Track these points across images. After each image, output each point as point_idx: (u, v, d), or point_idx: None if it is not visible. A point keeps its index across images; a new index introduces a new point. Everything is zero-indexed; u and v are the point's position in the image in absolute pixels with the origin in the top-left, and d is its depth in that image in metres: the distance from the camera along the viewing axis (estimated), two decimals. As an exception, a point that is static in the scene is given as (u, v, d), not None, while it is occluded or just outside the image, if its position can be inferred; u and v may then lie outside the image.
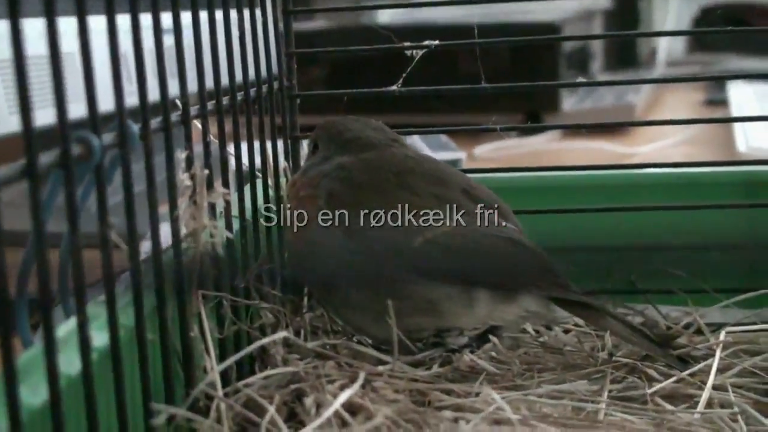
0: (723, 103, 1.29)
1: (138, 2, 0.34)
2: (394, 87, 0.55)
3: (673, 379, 0.44)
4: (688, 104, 1.43)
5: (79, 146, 0.31)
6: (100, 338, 0.33)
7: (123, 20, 0.33)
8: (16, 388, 0.26)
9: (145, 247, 0.36)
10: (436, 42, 0.55)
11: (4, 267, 0.25)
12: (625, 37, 1.69)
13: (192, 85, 0.41)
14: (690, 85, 1.54)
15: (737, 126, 1.05)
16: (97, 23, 0.31)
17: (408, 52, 0.55)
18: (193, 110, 0.42)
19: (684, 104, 1.44)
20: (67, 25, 0.30)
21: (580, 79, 1.23)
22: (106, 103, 0.32)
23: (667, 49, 1.72)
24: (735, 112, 1.21)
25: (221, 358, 0.42)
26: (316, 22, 1.38)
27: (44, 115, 0.30)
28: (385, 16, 1.54)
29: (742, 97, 1.24)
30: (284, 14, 0.55)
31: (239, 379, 0.42)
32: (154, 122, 0.37)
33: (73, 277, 0.30)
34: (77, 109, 0.30)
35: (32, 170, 0.27)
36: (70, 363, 0.31)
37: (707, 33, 1.80)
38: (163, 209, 0.37)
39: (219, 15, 0.44)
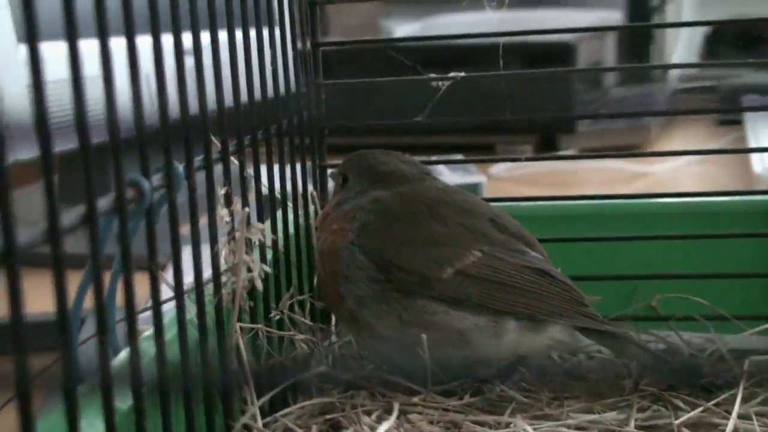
0: (737, 123, 1.30)
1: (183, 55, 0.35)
2: (419, 118, 0.57)
3: (699, 409, 0.45)
4: (702, 124, 1.44)
5: (131, 188, 0.33)
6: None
7: (169, 62, 0.35)
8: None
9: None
10: (462, 74, 0.56)
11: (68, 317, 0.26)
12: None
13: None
14: (704, 105, 1.54)
15: (753, 147, 1.06)
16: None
17: (435, 84, 0.56)
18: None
19: (698, 124, 1.45)
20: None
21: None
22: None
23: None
24: (749, 130, 1.21)
25: (257, 387, 0.43)
26: (332, 37, 1.39)
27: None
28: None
29: (756, 115, 1.25)
30: (312, 47, 0.56)
31: (272, 407, 0.43)
32: (196, 161, 0.38)
33: (126, 317, 0.31)
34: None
35: (92, 217, 0.28)
36: (121, 399, 0.32)
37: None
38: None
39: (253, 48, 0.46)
